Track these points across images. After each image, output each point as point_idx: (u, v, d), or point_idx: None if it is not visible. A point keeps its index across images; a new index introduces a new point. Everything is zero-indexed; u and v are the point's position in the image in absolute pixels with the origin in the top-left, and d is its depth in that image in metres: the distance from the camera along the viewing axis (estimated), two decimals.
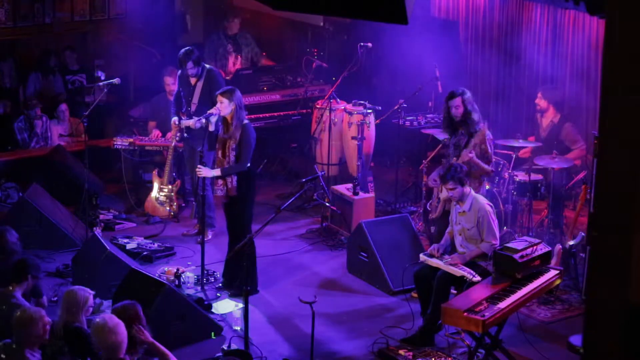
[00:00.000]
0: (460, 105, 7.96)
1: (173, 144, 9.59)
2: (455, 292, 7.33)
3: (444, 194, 7.87)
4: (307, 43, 12.54)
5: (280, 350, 7.30)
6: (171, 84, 10.08)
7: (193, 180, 9.34)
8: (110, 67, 12.02)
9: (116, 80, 9.20)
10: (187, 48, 9.34)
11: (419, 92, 9.88)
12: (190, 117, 9.15)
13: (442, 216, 8.02)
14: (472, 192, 7.40)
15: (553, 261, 7.48)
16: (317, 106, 10.29)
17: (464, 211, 7.33)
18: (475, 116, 7.95)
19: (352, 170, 9.92)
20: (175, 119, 9.26)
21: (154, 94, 10.45)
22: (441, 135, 8.93)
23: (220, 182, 8.05)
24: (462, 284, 7.05)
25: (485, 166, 7.95)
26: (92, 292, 6.20)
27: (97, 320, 5.40)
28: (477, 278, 6.97)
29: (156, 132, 10.18)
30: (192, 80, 9.31)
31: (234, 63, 11.68)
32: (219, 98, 7.94)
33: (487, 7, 10.46)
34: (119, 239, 9.07)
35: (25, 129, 10.75)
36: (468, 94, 8.01)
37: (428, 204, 8.86)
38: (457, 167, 7.33)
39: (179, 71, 9.44)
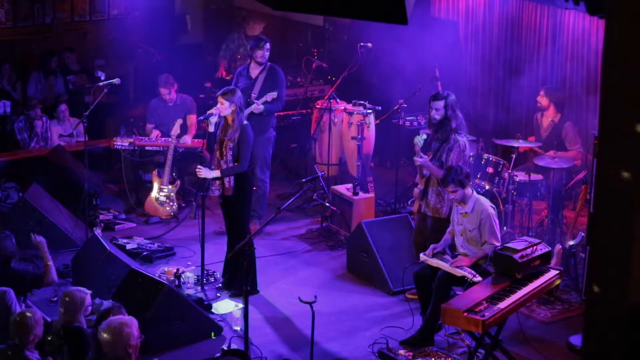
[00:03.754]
0: (441, 108, 7.73)
1: (173, 144, 9.57)
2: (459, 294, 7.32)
3: (415, 192, 7.99)
4: (307, 43, 12.54)
5: (280, 350, 7.30)
6: (166, 94, 10.07)
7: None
8: (110, 67, 12.02)
9: (116, 81, 9.18)
10: (258, 36, 9.65)
11: (418, 92, 9.87)
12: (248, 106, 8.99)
13: (419, 215, 8.06)
14: (475, 193, 7.39)
15: (553, 261, 7.47)
16: (317, 106, 10.28)
17: (466, 212, 7.31)
18: (453, 123, 7.72)
19: (352, 170, 9.91)
20: None
21: (154, 94, 10.43)
22: None
23: (217, 182, 8.04)
24: (463, 284, 7.05)
25: (438, 171, 7.66)
26: (89, 292, 6.23)
27: (106, 324, 5.37)
28: (478, 278, 6.96)
29: (156, 132, 10.16)
30: (254, 73, 9.41)
31: None
32: (219, 99, 7.94)
33: (487, 7, 10.46)
34: (119, 239, 9.07)
35: (25, 129, 10.75)
36: (452, 97, 7.78)
37: (410, 202, 9.19)
38: (457, 170, 7.28)
39: (238, 69, 9.64)
